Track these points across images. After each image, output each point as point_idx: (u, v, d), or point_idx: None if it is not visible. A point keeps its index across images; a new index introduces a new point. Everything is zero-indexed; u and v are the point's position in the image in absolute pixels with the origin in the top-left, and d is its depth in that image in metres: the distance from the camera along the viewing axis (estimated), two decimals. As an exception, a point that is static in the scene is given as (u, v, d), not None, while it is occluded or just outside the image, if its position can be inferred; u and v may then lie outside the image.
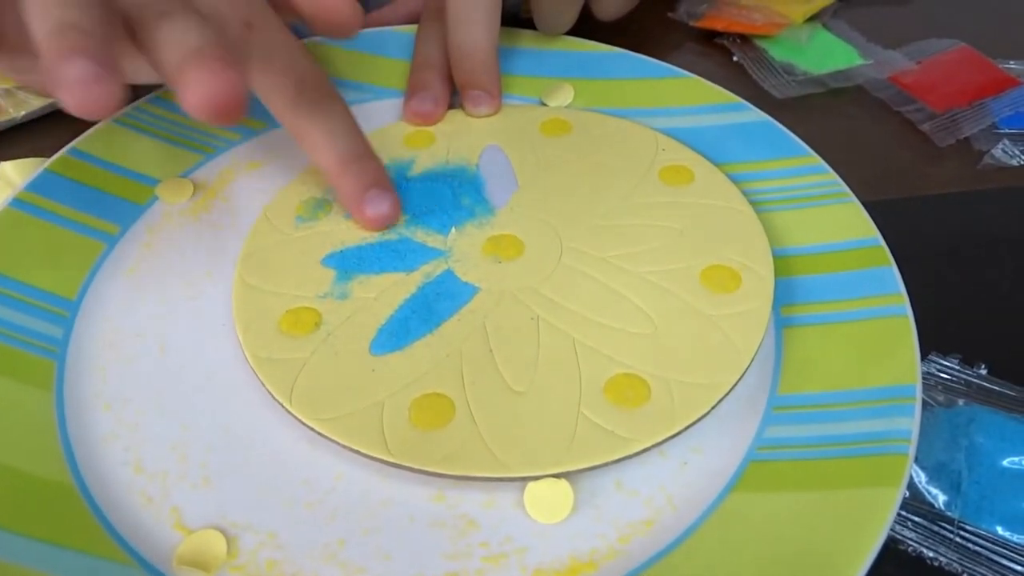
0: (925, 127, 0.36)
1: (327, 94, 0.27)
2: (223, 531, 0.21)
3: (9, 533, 0.20)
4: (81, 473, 0.22)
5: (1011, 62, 0.40)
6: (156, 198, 0.30)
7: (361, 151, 0.27)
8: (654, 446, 0.22)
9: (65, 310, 0.26)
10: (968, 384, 0.26)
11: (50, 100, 0.35)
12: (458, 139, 0.32)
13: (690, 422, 0.22)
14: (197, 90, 0.20)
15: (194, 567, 0.20)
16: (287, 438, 0.23)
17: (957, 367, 0.26)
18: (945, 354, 0.27)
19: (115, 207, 0.29)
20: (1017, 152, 0.35)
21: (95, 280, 0.27)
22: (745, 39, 0.42)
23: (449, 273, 0.27)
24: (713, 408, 0.23)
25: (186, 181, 0.31)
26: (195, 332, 0.26)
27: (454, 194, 0.29)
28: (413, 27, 0.36)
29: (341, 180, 0.27)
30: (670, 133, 0.32)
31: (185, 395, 0.24)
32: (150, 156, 0.31)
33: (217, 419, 0.23)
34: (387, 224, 0.28)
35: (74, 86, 0.19)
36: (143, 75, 0.23)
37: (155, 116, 0.32)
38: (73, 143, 0.30)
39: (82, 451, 0.23)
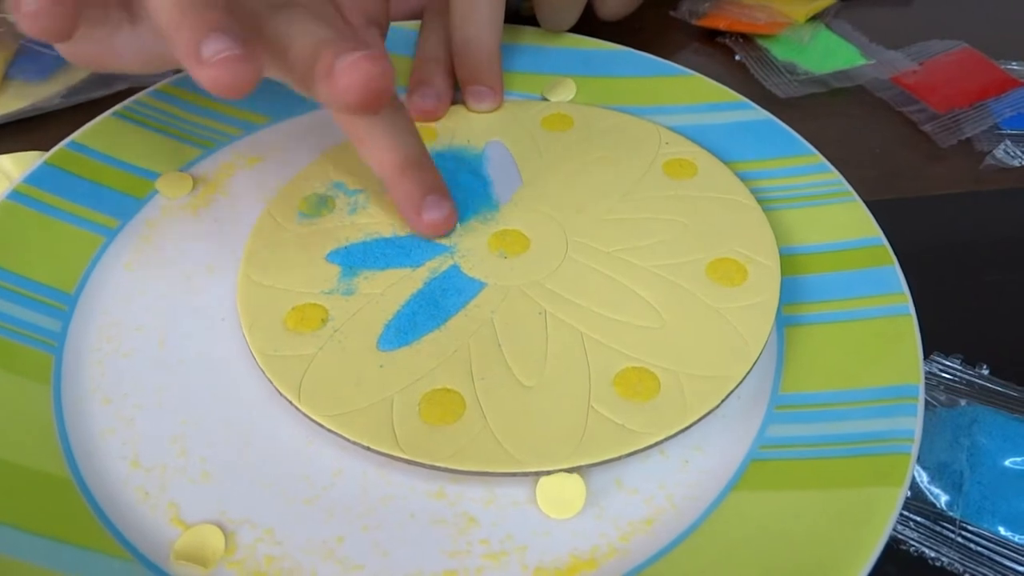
0: (927, 127, 0.36)
1: (392, 99, 0.27)
2: (221, 526, 0.21)
3: (7, 527, 0.20)
4: (79, 467, 0.22)
5: (1013, 63, 0.40)
6: (155, 192, 0.30)
7: (421, 157, 0.27)
8: (666, 439, 0.22)
9: (63, 303, 0.26)
10: (970, 384, 0.26)
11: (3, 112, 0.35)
12: (460, 135, 0.32)
13: (702, 414, 0.22)
14: (353, 75, 0.21)
15: (191, 562, 0.20)
16: (287, 434, 0.23)
17: (959, 367, 0.26)
18: (947, 354, 0.27)
19: (114, 201, 0.29)
20: (1019, 153, 0.35)
21: (93, 274, 0.27)
22: (747, 38, 0.42)
23: (455, 268, 0.26)
24: (724, 400, 0.23)
25: (186, 175, 0.30)
26: (195, 327, 0.26)
27: (458, 186, 0.29)
28: (414, 23, 0.36)
29: (400, 184, 0.27)
30: (673, 131, 0.32)
31: (185, 390, 0.24)
32: (149, 150, 0.31)
33: (217, 414, 0.23)
34: (442, 231, 0.27)
35: (219, 64, 0.19)
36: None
37: (154, 110, 0.32)
38: (72, 136, 0.30)
39: (80, 445, 0.22)
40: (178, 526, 0.21)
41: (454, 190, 0.28)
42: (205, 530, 0.21)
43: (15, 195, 0.27)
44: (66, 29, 0.20)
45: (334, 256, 0.27)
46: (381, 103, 0.22)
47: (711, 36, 0.42)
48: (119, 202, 0.29)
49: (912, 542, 0.22)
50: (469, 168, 0.30)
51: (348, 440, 0.22)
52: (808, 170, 0.30)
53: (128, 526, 0.21)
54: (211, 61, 0.19)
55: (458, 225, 0.28)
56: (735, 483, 0.22)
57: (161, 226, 0.29)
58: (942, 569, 0.22)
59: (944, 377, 0.26)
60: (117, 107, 0.31)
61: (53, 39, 0.21)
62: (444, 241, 0.28)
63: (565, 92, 0.35)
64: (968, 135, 0.36)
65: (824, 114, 0.38)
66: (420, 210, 0.27)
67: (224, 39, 0.19)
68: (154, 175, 0.30)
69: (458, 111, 0.33)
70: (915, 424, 0.22)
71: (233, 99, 0.20)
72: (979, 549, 0.22)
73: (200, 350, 0.25)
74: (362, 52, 0.21)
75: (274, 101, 0.33)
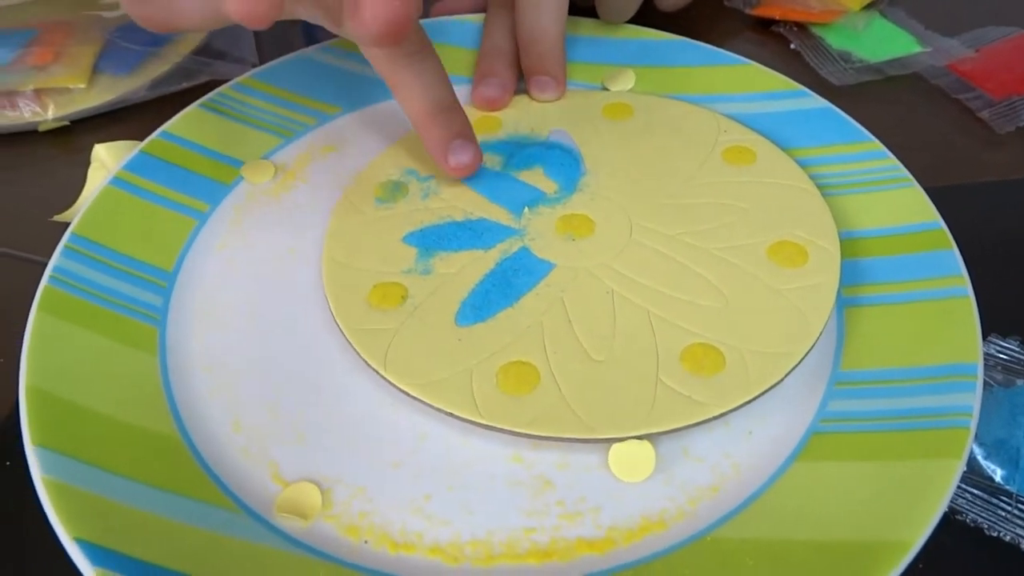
0: (984, 114, 0.37)
1: (424, 45, 0.28)
2: (317, 484, 0.23)
3: (126, 479, 0.22)
4: (187, 428, 0.24)
5: (1072, 50, 0.40)
6: (241, 179, 0.32)
7: (450, 102, 0.29)
8: (731, 411, 0.23)
9: (163, 280, 0.28)
10: (1027, 365, 0.26)
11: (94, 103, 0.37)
12: (524, 124, 0.33)
13: (764, 388, 0.23)
14: (377, 5, 0.23)
15: (294, 514, 0.22)
16: (373, 402, 0.25)
17: (1016, 348, 0.27)
18: (1004, 336, 0.27)
19: (204, 186, 0.31)
20: (1078, 140, 0.35)
21: (189, 253, 0.29)
22: (802, 27, 0.42)
23: (525, 250, 0.28)
24: (786, 376, 0.24)
25: (267, 163, 0.32)
26: (283, 304, 0.28)
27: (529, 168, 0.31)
28: (478, 16, 0.37)
29: (429, 128, 0.28)
30: (731, 119, 0.33)
31: (276, 361, 0.26)
32: (234, 139, 0.33)
33: (307, 383, 0.25)
34: (468, 173, 0.29)
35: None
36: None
37: (236, 101, 0.34)
38: (164, 126, 0.32)
39: (186, 409, 0.24)
40: (278, 483, 0.23)
41: (525, 188, 0.30)
42: (304, 487, 0.22)
43: (116, 181, 0.29)
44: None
45: (410, 238, 0.29)
46: (404, 31, 0.23)
47: (765, 25, 0.43)
48: (208, 188, 0.31)
49: (969, 512, 0.23)
50: (535, 154, 0.32)
51: (432, 407, 0.24)
52: (866, 156, 0.31)
53: (233, 481, 0.23)
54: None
55: (527, 209, 0.29)
56: (797, 454, 0.23)
57: (247, 210, 0.31)
58: (998, 539, 0.23)
59: (1001, 358, 0.27)
60: (203, 99, 0.33)
61: None
62: (513, 224, 0.29)
63: (625, 82, 0.36)
64: (1026, 122, 0.36)
65: (880, 101, 0.38)
66: (447, 153, 0.28)
67: None
68: (238, 163, 0.32)
69: (522, 100, 0.35)
70: (973, 400, 0.23)
71: (258, 28, 0.22)
72: (1035, 520, 0.23)
73: (289, 325, 0.27)
74: None
75: (346, 92, 0.35)
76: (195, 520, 0.21)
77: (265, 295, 0.28)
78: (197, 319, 0.27)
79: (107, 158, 0.33)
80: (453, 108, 0.29)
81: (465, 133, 0.29)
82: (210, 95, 0.33)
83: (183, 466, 0.23)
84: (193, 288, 0.28)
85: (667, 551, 0.21)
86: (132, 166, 0.30)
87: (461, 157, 0.29)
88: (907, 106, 0.38)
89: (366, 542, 0.21)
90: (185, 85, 0.38)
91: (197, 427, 0.24)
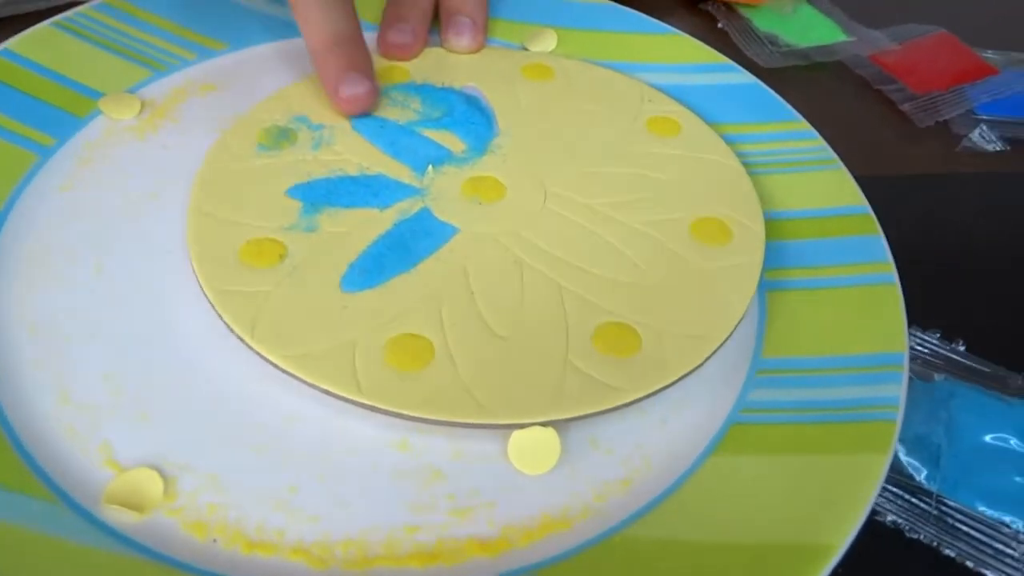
0: (905, 107, 0.36)
1: None
2: (159, 470, 0.19)
3: (-91, 461, 0.17)
4: (1, 401, 0.19)
5: (988, 51, 0.40)
6: (98, 112, 0.27)
7: (351, 35, 0.27)
8: (645, 397, 0.21)
9: (-12, 223, 0.23)
10: (946, 359, 0.25)
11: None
12: (435, 77, 0.30)
13: (683, 373, 0.21)
14: None
15: (125, 507, 0.18)
16: (237, 376, 0.21)
17: (936, 342, 0.26)
18: (924, 329, 0.26)
19: (51, 117, 0.26)
20: (994, 137, 0.35)
21: (24, 193, 0.24)
22: (730, 7, 0.41)
23: (426, 211, 0.25)
24: (705, 361, 0.22)
25: (133, 97, 0.28)
26: (136, 257, 0.23)
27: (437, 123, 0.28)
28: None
29: (324, 59, 0.27)
30: (655, 89, 0.31)
31: (123, 323, 0.22)
32: (94, 66, 0.28)
33: (158, 351, 0.21)
34: (361, 109, 0.27)
35: None
36: None
37: (100, 24, 0.29)
38: (7, 43, 0.27)
39: (2, 377, 0.20)
40: (111, 468, 0.19)
41: (428, 144, 0.27)
42: (141, 474, 0.19)
43: (-63, 101, 0.24)
44: None
45: (295, 191, 0.25)
46: None
47: (694, 2, 0.41)
48: (57, 119, 0.26)
49: (889, 513, 0.22)
50: (445, 107, 0.29)
51: (306, 383, 0.20)
52: (793, 136, 0.29)
53: (55, 466, 0.19)
54: None
55: (430, 167, 0.26)
56: (715, 446, 0.21)
57: (102, 148, 0.26)
58: (918, 542, 0.21)
59: (920, 351, 0.26)
60: (57, 17, 0.28)
61: None
62: (415, 183, 0.26)
63: (546, 43, 0.33)
64: (945, 117, 0.36)
65: (804, 86, 0.37)
66: (339, 85, 0.26)
67: None
68: (97, 94, 0.28)
69: (433, 52, 0.31)
70: (900, 392, 0.21)
71: None
72: (956, 524, 0.21)
73: (141, 281, 0.23)
74: None
75: (235, 26, 0.31)
76: (5, 513, 0.17)
77: (114, 246, 0.24)
78: (25, 268, 0.22)
79: (-66, 79, 0.28)
80: (353, 41, 0.27)
81: (362, 68, 0.27)
82: (66, 13, 0.29)
83: (-11, 446, 0.18)
84: (26, 234, 0.23)
85: (570, 553, 0.19)
86: (-40, 86, 0.25)
87: (354, 88, 0.26)
88: (830, 93, 0.37)
89: (215, 540, 0.18)
90: (41, 6, 0.33)
91: (14, 398, 0.20)
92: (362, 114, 0.27)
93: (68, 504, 0.18)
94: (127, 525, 0.18)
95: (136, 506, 0.18)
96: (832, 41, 0.39)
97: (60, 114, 0.27)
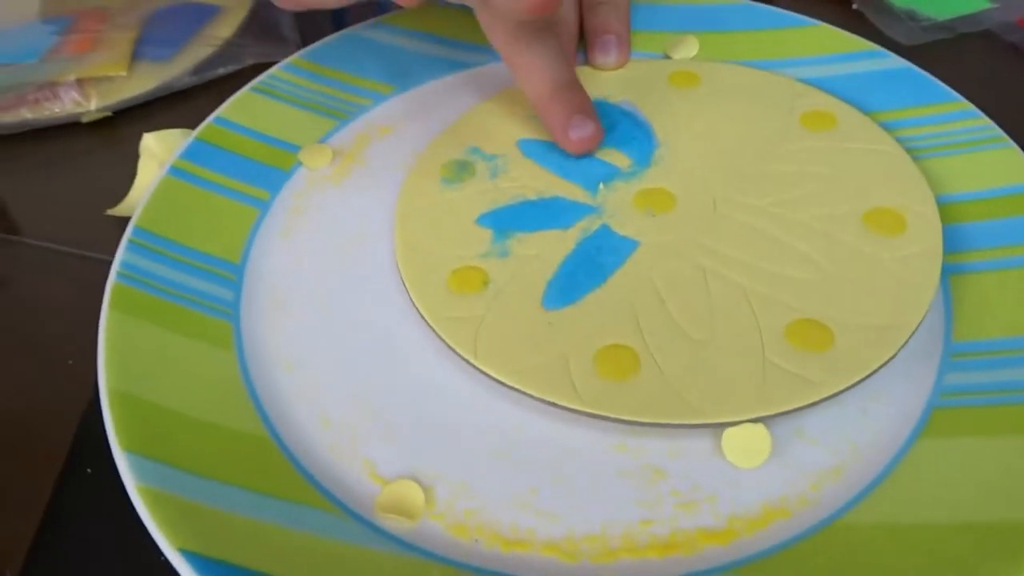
0: (1063, 69, 0.35)
1: (544, 26, 0.28)
2: (418, 481, 0.21)
3: (222, 484, 0.21)
4: (275, 428, 0.23)
5: None
6: (299, 164, 0.30)
7: (570, 80, 0.28)
8: (846, 389, 0.22)
9: (232, 273, 0.27)
10: None
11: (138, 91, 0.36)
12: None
13: (881, 363, 0.22)
14: None
15: (397, 514, 0.21)
16: (464, 392, 0.23)
17: None
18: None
19: (262, 173, 0.30)
20: None
21: (255, 244, 0.28)
22: (861, -14, 0.40)
23: (606, 228, 0.27)
24: (900, 349, 0.22)
25: (325, 147, 0.31)
26: (358, 293, 0.26)
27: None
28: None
29: (550, 106, 0.28)
30: (804, 83, 0.32)
31: (358, 353, 0.25)
32: (289, 123, 0.31)
33: (393, 375, 0.24)
34: (589, 148, 0.29)
35: None
36: None
37: (287, 83, 0.33)
38: (217, 112, 0.30)
39: (271, 407, 0.23)
40: (377, 481, 0.22)
41: (597, 163, 0.29)
42: (405, 485, 0.21)
43: (174, 171, 0.28)
44: None
45: (484, 220, 0.27)
46: (556, 5, 0.23)
47: (824, -14, 0.41)
48: (267, 174, 0.30)
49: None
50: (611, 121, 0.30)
51: (530, 396, 0.22)
52: (955, 117, 0.29)
53: (330, 482, 0.22)
54: None
55: (602, 185, 0.28)
56: (920, 431, 0.22)
57: (307, 197, 0.30)
58: None
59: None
60: (254, 82, 0.32)
61: None
62: (589, 201, 0.28)
63: (688, 49, 0.34)
64: (1109, 75, 0.34)
65: (952, 61, 0.36)
66: (568, 129, 0.28)
67: None
68: (295, 147, 0.31)
69: (582, 72, 0.33)
70: (1104, 367, 0.21)
71: (408, 5, 0.23)
72: None
73: (366, 315, 0.26)
74: None
75: (398, 70, 0.34)
76: (296, 524, 0.20)
77: (336, 285, 0.27)
78: (270, 313, 0.26)
79: (157, 148, 0.32)
80: (574, 86, 0.29)
81: (586, 110, 0.28)
82: (260, 78, 0.32)
83: (276, 468, 0.22)
84: (262, 280, 0.27)
85: (795, 540, 0.20)
86: (189, 154, 0.29)
87: (582, 131, 0.28)
88: (981, 64, 0.36)
89: (476, 541, 0.20)
90: (230, 69, 0.37)
91: (285, 426, 0.23)
92: (589, 153, 0.29)
93: (349, 514, 0.21)
94: (402, 530, 0.21)
95: (407, 513, 0.21)
96: (976, 9, 0.38)
97: (269, 170, 0.30)
